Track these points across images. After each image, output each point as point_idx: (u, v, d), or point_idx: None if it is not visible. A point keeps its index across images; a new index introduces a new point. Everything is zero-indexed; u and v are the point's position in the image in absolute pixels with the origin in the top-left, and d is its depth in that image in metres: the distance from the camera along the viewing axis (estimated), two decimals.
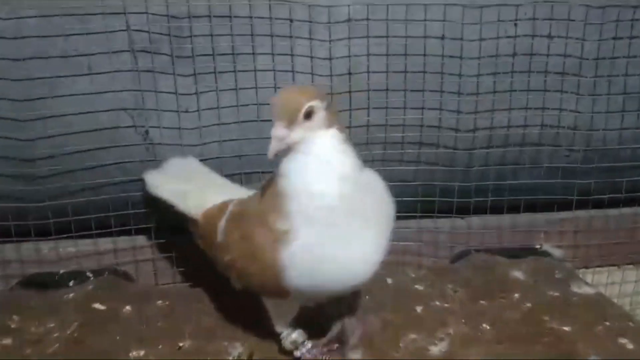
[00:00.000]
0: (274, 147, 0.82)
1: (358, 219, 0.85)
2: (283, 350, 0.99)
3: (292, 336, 0.98)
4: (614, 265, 1.45)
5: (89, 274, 1.26)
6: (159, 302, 1.17)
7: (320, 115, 0.84)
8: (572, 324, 1.06)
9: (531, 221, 1.40)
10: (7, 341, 1.04)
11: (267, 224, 0.85)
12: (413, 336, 1.04)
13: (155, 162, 1.23)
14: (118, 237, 1.30)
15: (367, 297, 1.17)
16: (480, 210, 1.37)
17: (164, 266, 1.32)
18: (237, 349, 1.02)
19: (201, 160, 1.25)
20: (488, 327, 1.07)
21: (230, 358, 1.00)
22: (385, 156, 1.32)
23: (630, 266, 1.46)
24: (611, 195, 1.38)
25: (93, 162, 1.23)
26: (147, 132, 1.24)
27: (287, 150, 0.84)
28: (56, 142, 1.20)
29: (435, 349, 1.01)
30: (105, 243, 1.30)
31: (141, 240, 1.31)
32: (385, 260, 1.31)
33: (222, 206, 1.01)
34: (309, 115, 0.83)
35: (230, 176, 1.25)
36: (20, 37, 1.15)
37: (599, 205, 1.40)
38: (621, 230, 1.42)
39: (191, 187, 1.13)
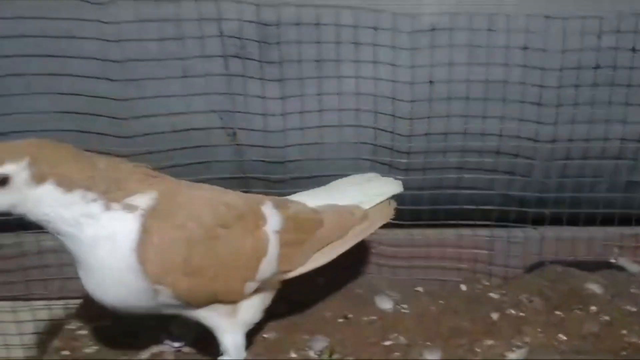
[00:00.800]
0: None
1: None
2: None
3: None
4: None
5: None
6: None
7: (19, 179, 0.78)
8: None
9: (606, 235, 1.39)
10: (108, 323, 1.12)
11: None
12: (489, 342, 1.06)
13: (240, 163, 1.29)
14: None
15: (441, 301, 1.20)
16: (555, 221, 1.37)
17: None
18: (320, 342, 1.06)
19: (283, 163, 1.31)
20: (565, 338, 1.08)
21: (313, 351, 1.04)
22: (463, 164, 1.33)
23: None
24: None
25: (184, 160, 1.29)
26: (234, 133, 1.30)
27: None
28: (150, 140, 1.27)
29: (513, 356, 1.02)
30: None
31: None
32: (459, 266, 1.37)
33: None
34: (3, 182, 0.78)
35: (311, 178, 1.31)
36: (120, 40, 1.22)
37: None
38: None
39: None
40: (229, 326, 0.94)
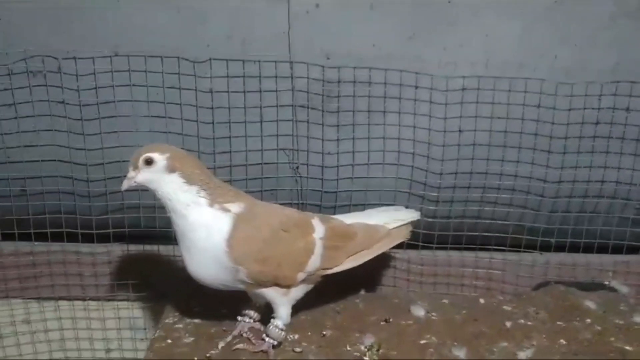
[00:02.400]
0: (124, 184, 1.19)
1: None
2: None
3: None
4: None
5: None
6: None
7: (160, 164, 1.16)
8: (633, 345, 1.31)
9: (602, 261, 1.63)
10: (196, 320, 1.38)
11: None
12: (504, 344, 1.32)
13: (300, 192, 1.56)
14: None
15: (464, 311, 1.46)
16: (559, 248, 1.63)
17: None
18: (368, 339, 1.31)
19: (335, 193, 1.58)
20: (565, 342, 1.33)
21: (363, 346, 1.30)
22: (483, 198, 1.59)
23: None
24: None
25: (256, 188, 1.56)
26: (297, 167, 1.56)
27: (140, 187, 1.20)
28: (229, 171, 1.54)
29: (523, 355, 1.28)
30: None
31: None
32: (476, 284, 1.63)
33: None
34: (148, 162, 1.16)
35: (357, 206, 1.58)
36: (212, 91, 1.49)
37: None
38: None
39: None
40: (283, 301, 1.26)
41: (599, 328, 1.38)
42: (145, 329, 1.72)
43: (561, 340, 1.34)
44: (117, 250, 1.64)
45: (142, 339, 1.73)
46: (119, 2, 1.42)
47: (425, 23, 1.48)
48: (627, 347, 1.30)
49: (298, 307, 1.34)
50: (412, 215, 1.48)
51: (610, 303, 1.51)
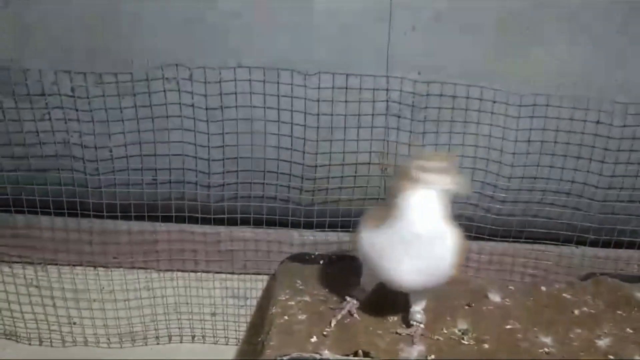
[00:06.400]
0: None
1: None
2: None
3: None
4: None
5: (333, 257, 1.42)
6: None
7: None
8: None
9: None
10: (306, 298, 1.20)
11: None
12: (578, 331, 1.14)
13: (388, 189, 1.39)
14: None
15: (532, 298, 1.28)
16: (605, 244, 1.45)
17: None
18: (464, 322, 1.14)
19: None
20: (631, 331, 1.15)
21: (457, 329, 1.12)
22: (543, 199, 1.41)
23: None
24: None
25: (349, 184, 1.39)
26: (386, 169, 1.39)
27: None
28: (327, 169, 1.37)
29: (602, 342, 1.09)
30: (339, 236, 1.45)
31: None
32: (534, 272, 1.45)
33: None
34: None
35: None
36: (319, 100, 1.31)
37: None
38: None
39: None
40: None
41: None
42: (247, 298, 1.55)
43: (628, 329, 1.15)
44: (226, 232, 1.47)
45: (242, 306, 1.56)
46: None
47: (505, 46, 1.30)
48: None
49: None
50: None
51: None
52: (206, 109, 1.31)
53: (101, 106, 1.32)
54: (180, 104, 1.31)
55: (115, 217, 1.42)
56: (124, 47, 1.28)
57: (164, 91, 1.30)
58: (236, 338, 1.57)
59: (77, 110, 1.32)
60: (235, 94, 1.30)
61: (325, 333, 1.06)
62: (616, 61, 1.31)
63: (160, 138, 1.35)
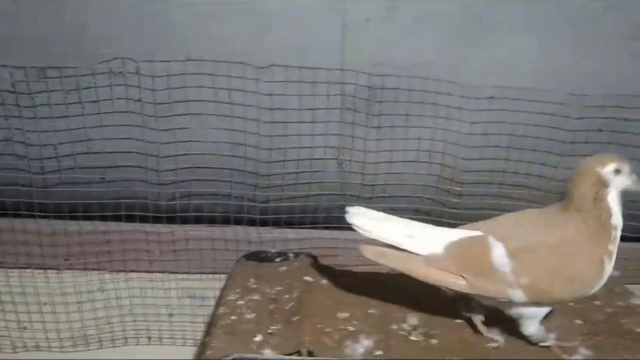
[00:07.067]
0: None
1: None
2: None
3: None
4: None
5: (290, 254, 1.38)
6: (344, 279, 1.27)
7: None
8: None
9: None
10: (256, 297, 1.16)
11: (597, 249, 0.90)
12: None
13: (343, 184, 1.37)
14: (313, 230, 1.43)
15: None
16: None
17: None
18: (414, 317, 1.09)
19: (373, 186, 1.38)
20: (581, 322, 1.12)
21: (406, 324, 1.09)
22: (500, 193, 1.40)
23: None
24: None
25: (305, 180, 1.37)
26: (341, 163, 1.37)
27: None
28: (282, 165, 1.35)
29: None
30: (298, 233, 1.43)
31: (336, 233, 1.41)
32: None
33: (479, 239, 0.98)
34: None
35: (391, 197, 1.38)
36: (271, 94, 1.29)
37: None
38: None
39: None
40: None
41: None
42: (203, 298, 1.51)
43: (576, 321, 1.14)
44: (180, 230, 1.43)
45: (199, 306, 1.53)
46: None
47: (460, 38, 1.28)
48: None
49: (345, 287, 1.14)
50: None
51: None
52: (155, 103, 1.27)
53: (45, 102, 1.27)
54: (127, 98, 1.27)
55: (62, 218, 1.36)
56: (68, 39, 1.23)
57: (110, 86, 1.25)
58: (193, 339, 1.53)
59: (19, 106, 1.27)
60: (185, 87, 1.26)
61: (270, 331, 1.02)
62: (572, 52, 1.30)
63: (109, 135, 1.30)
